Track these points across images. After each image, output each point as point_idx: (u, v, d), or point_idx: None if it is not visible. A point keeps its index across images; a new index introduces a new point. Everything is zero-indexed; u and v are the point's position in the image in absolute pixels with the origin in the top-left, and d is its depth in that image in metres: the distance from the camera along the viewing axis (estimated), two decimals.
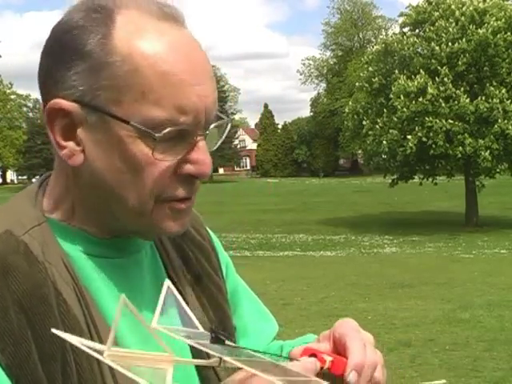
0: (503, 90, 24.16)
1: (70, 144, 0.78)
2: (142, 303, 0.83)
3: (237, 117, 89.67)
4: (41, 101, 0.82)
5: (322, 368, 0.78)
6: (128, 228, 0.82)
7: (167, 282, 0.78)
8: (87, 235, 0.82)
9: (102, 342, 0.75)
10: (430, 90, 24.17)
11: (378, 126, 25.68)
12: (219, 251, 1.02)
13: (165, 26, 0.77)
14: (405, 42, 26.19)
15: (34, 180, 0.96)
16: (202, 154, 0.79)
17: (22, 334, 0.71)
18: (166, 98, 0.74)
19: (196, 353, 0.83)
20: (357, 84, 29.35)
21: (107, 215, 0.81)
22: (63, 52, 0.76)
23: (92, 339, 0.74)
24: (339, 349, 0.81)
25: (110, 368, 0.72)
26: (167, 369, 0.63)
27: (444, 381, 0.67)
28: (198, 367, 0.86)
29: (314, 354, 0.79)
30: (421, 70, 24.82)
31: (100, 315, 0.78)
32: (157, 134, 0.74)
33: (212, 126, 0.81)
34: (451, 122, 23.92)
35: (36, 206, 0.83)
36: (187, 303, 0.87)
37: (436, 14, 25.98)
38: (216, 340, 0.70)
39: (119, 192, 0.78)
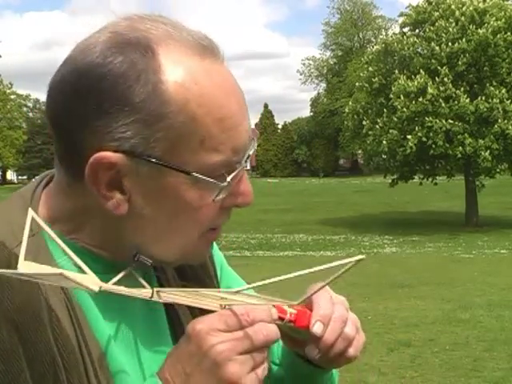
0: (503, 90, 24.17)
1: (117, 195, 0.74)
2: (135, 316, 0.83)
3: None
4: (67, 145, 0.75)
5: (282, 319, 0.76)
6: (158, 262, 0.80)
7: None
8: (81, 249, 0.78)
9: (92, 362, 0.74)
10: (430, 90, 24.17)
11: (378, 126, 25.68)
12: (215, 254, 1.00)
13: (208, 64, 0.73)
14: (405, 42, 26.19)
15: (33, 180, 0.91)
16: (247, 186, 0.79)
17: (13, 352, 0.68)
18: (224, 144, 0.73)
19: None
20: (357, 84, 29.36)
21: (133, 248, 0.78)
22: (104, 100, 0.70)
23: (83, 358, 0.73)
24: (307, 307, 0.81)
25: None
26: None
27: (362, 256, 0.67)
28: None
29: (274, 306, 0.77)
30: (421, 70, 24.83)
31: (91, 334, 0.76)
32: (222, 184, 0.74)
33: (251, 152, 0.79)
34: (451, 121, 23.93)
35: None
36: (178, 314, 0.87)
37: (436, 14, 25.99)
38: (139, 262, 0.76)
39: (168, 234, 0.76)
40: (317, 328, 0.78)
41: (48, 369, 0.70)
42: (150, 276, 0.86)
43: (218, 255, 1.01)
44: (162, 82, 0.70)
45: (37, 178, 0.86)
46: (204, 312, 0.75)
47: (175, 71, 0.71)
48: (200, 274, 0.94)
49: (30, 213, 0.73)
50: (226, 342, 0.71)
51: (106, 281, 0.73)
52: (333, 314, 0.80)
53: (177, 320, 0.87)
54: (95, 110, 0.71)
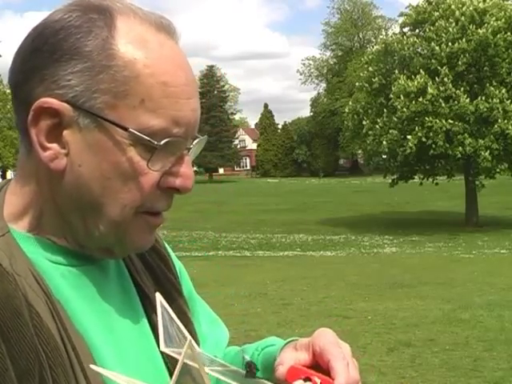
0: (503, 90, 24.16)
1: (54, 146, 0.74)
2: (110, 308, 0.82)
3: (237, 117, 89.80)
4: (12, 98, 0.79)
5: None
6: (98, 242, 0.79)
7: (159, 296, 0.79)
8: (53, 244, 0.79)
9: (78, 356, 0.73)
10: (430, 90, 24.17)
11: (378, 126, 25.68)
12: (172, 257, 0.99)
13: (163, 38, 0.77)
14: (405, 42, 26.19)
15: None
16: (187, 168, 0.79)
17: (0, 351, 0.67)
18: (164, 108, 0.74)
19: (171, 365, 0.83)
20: (357, 84, 29.35)
21: (80, 226, 0.78)
22: (56, 50, 0.73)
23: (68, 354, 0.73)
24: (320, 363, 0.81)
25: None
26: None
27: None
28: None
29: (308, 378, 0.79)
30: (421, 70, 24.82)
31: (74, 328, 0.75)
32: (157, 143, 0.74)
33: (195, 141, 0.81)
34: (451, 121, 23.92)
35: None
36: (146, 292, 0.88)
37: (436, 13, 25.97)
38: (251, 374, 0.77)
39: (102, 200, 0.75)
40: None
41: (33, 366, 0.69)
42: (121, 271, 0.87)
43: (177, 261, 1.01)
44: (113, 38, 0.73)
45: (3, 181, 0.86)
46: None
47: (128, 34, 0.74)
48: (165, 272, 0.94)
49: None
50: None
51: (70, 271, 0.78)
52: (349, 381, 0.80)
53: (147, 300, 0.88)
54: (46, 60, 0.74)
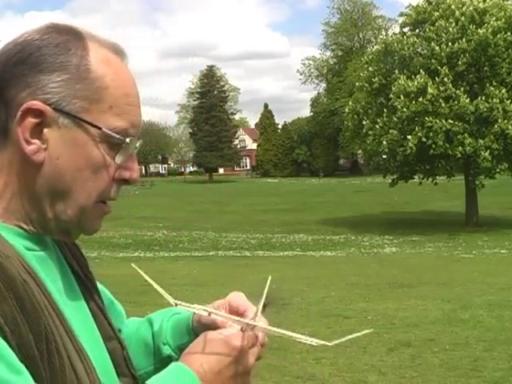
0: (503, 90, 24.17)
1: (37, 141, 0.88)
2: (64, 290, 0.95)
3: (237, 117, 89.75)
4: None
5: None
6: (62, 225, 0.92)
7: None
8: (22, 231, 0.91)
9: (66, 330, 0.85)
10: (430, 90, 24.18)
11: (378, 126, 25.69)
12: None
13: (119, 59, 0.95)
14: (405, 42, 26.20)
15: None
16: (135, 163, 0.96)
17: (20, 318, 0.79)
18: (126, 114, 0.92)
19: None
20: (357, 84, 29.37)
21: (49, 211, 0.91)
22: (40, 63, 0.89)
23: (64, 327, 0.85)
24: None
25: (80, 353, 0.86)
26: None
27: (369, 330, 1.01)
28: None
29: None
30: (421, 70, 24.84)
31: (57, 305, 0.87)
32: (124, 140, 0.91)
33: (139, 142, 0.97)
34: (451, 121, 23.93)
35: None
36: (79, 273, 1.03)
37: (436, 14, 25.99)
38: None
39: (73, 188, 0.90)
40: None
41: (41, 332, 0.81)
42: (59, 256, 0.99)
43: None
44: (88, 56, 0.91)
45: None
46: None
47: (98, 53, 0.93)
48: (82, 260, 1.06)
49: None
50: (252, 357, 0.98)
51: (39, 256, 0.90)
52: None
53: (83, 284, 1.02)
54: (31, 70, 0.89)
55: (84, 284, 1.02)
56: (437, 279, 11.97)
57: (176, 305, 0.97)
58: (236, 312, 1.07)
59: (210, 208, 36.07)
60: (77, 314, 0.94)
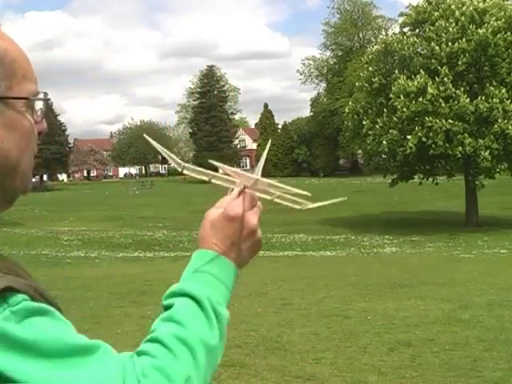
0: (503, 90, 24.16)
1: None
2: None
3: (237, 117, 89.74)
4: None
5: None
6: (8, 197, 0.97)
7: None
8: None
9: (50, 302, 0.91)
10: (430, 90, 24.17)
11: (378, 126, 25.68)
12: None
13: (1, 29, 1.00)
14: (405, 42, 26.19)
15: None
16: (42, 115, 1.01)
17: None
18: (33, 77, 0.99)
19: None
20: (357, 84, 29.35)
21: None
22: None
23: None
24: None
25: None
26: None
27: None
28: None
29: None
30: (421, 70, 24.82)
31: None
32: (40, 96, 0.97)
33: (42, 94, 1.02)
34: (451, 121, 23.92)
35: None
36: None
37: (436, 13, 25.97)
38: None
39: (19, 162, 0.95)
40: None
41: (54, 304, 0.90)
42: None
43: None
44: None
45: None
46: None
47: None
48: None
49: None
50: (255, 216, 1.06)
51: None
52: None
53: None
54: None
55: None
56: (437, 279, 11.96)
57: (183, 168, 1.04)
58: None
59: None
60: None
